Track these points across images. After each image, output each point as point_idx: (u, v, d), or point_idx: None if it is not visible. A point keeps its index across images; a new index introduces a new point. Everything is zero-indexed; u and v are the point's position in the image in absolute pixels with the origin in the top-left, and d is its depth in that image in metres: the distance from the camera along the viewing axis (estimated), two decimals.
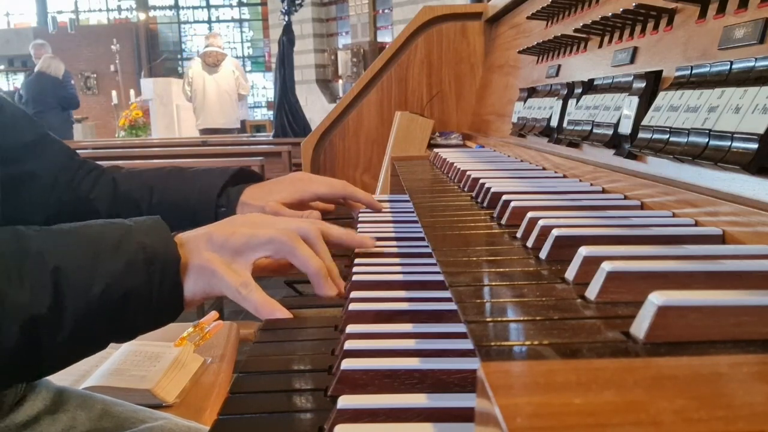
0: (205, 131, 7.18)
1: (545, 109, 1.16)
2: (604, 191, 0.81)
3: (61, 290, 0.57)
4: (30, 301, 0.56)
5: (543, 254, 0.52)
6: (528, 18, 1.44)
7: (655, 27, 0.84)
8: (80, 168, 1.00)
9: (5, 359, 0.56)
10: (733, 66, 0.61)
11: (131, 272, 0.60)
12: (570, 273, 0.45)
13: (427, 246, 0.61)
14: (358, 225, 0.90)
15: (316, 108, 9.84)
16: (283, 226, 0.68)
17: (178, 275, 0.63)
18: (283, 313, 0.62)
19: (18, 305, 0.56)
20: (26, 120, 0.96)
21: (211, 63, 7.07)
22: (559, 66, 1.21)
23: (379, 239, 0.75)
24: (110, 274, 0.59)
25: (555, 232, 0.52)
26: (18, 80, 13.77)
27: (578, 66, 1.11)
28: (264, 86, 15.66)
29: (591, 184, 0.84)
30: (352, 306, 0.55)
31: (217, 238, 0.65)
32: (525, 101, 1.32)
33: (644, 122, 0.73)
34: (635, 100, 0.78)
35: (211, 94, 7.14)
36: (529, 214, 0.59)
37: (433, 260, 0.60)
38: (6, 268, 0.57)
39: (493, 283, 0.46)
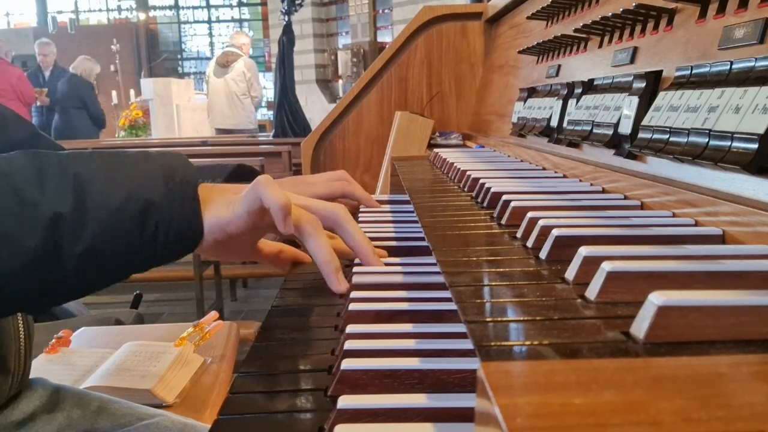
0: (219, 131, 7.19)
1: (545, 109, 1.16)
2: (604, 191, 0.80)
3: (82, 194, 0.58)
4: (53, 201, 0.56)
5: (543, 254, 0.52)
6: (528, 18, 1.44)
7: (655, 27, 0.84)
8: None
9: (25, 261, 0.55)
10: (733, 66, 0.61)
11: (150, 183, 0.61)
12: (570, 273, 0.45)
13: (427, 246, 0.61)
14: (359, 225, 0.89)
15: (316, 108, 9.83)
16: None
17: (197, 194, 0.63)
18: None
19: (40, 205, 0.56)
20: (16, 119, 0.96)
21: (222, 63, 7.04)
22: (559, 66, 1.21)
23: (379, 239, 0.75)
24: (130, 184, 0.60)
25: (555, 232, 0.52)
26: None
27: (578, 66, 1.11)
28: (264, 86, 15.63)
29: (591, 184, 0.84)
30: (352, 306, 0.55)
31: (265, 178, 0.67)
32: (525, 101, 1.32)
33: (644, 122, 0.73)
34: (635, 100, 0.78)
35: (220, 94, 7.12)
36: (529, 214, 0.59)
37: (433, 260, 0.60)
38: (26, 177, 0.57)
39: (493, 283, 0.46)
